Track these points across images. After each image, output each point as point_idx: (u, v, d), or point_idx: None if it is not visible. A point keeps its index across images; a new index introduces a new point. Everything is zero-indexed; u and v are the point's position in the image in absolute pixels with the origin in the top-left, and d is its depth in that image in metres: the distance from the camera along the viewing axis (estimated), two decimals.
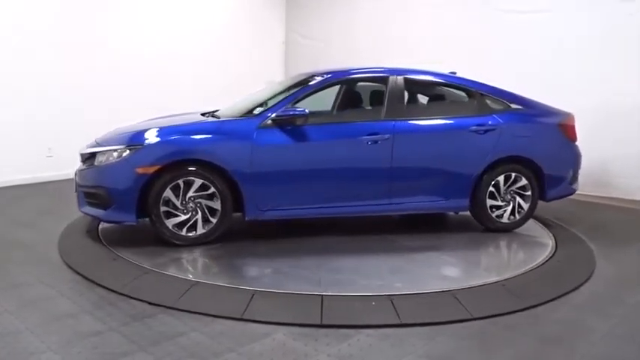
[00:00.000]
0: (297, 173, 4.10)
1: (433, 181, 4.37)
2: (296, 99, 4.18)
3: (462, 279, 3.60)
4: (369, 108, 4.79)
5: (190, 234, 3.97)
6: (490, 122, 4.45)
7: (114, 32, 7.13)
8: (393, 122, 4.25)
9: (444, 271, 3.71)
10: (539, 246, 4.33)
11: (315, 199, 4.18)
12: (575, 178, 4.85)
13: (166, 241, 3.94)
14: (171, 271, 3.47)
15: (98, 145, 4.12)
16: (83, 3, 6.76)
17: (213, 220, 3.98)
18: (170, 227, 3.92)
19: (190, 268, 3.67)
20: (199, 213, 3.96)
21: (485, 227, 4.60)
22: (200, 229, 3.97)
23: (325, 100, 5.03)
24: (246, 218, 4.05)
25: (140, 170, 3.79)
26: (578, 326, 2.94)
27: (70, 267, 3.58)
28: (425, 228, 4.82)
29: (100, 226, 4.43)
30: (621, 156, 5.99)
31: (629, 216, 5.65)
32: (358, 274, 3.58)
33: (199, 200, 3.95)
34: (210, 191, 3.93)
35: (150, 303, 3.03)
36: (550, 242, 4.44)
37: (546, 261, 3.94)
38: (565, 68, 6.40)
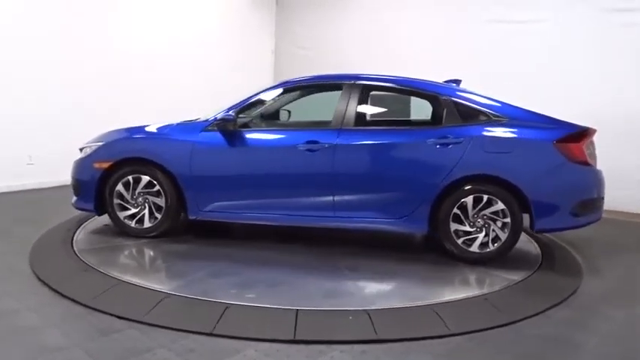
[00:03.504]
0: (233, 177, 4.22)
1: (382, 196, 4.01)
2: (242, 106, 4.30)
3: (442, 292, 3.49)
4: (321, 115, 4.66)
5: (138, 226, 4.35)
6: (453, 134, 3.93)
7: (99, 40, 7.04)
8: (338, 131, 4.08)
9: (424, 283, 3.60)
10: (524, 258, 4.24)
11: (254, 204, 4.19)
12: (583, 209, 3.89)
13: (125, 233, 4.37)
14: (143, 283, 3.35)
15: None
16: (68, 13, 6.66)
17: (158, 216, 4.30)
18: (122, 218, 4.35)
19: (163, 280, 3.55)
20: (147, 208, 4.32)
21: (451, 255, 4.00)
22: (146, 223, 4.33)
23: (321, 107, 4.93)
24: (189, 217, 4.30)
25: (97, 165, 4.31)
26: (560, 343, 2.84)
27: (39, 278, 3.45)
28: (405, 238, 4.72)
29: (75, 237, 4.33)
30: (615, 168, 5.90)
31: (620, 229, 5.59)
32: (336, 288, 3.48)
33: (147, 196, 4.31)
34: (156, 188, 4.26)
35: (118, 317, 2.91)
36: (536, 254, 4.36)
37: (531, 274, 3.85)
38: (558, 78, 6.46)
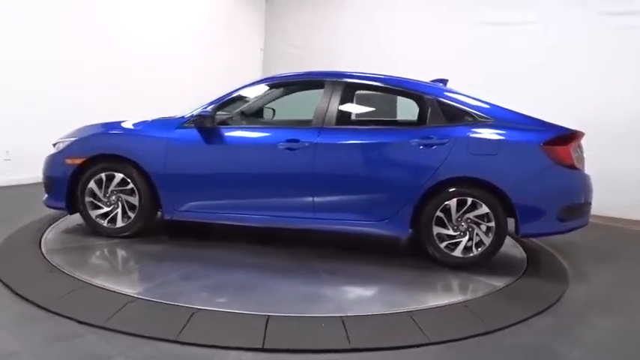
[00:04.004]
0: (210, 176, 4.07)
1: (364, 198, 3.87)
2: (220, 102, 4.15)
3: (423, 298, 3.36)
4: (302, 113, 4.54)
5: (110, 225, 4.17)
6: (437, 135, 3.80)
7: (83, 36, 6.86)
8: (319, 130, 3.94)
9: (404, 289, 3.47)
10: (509, 263, 4.12)
11: (232, 204, 4.04)
12: (570, 214, 3.77)
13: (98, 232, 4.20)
14: (110, 286, 3.19)
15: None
16: (51, 7, 6.49)
17: (132, 215, 4.12)
18: (94, 217, 4.17)
19: (131, 282, 3.40)
20: (119, 207, 4.14)
21: (434, 260, 3.87)
22: (119, 222, 4.15)
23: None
24: (165, 217, 4.13)
25: (69, 161, 4.12)
26: (543, 353, 2.72)
27: (0, 280, 3.29)
28: (387, 241, 4.60)
29: (45, 236, 4.16)
30: (606, 171, 5.81)
31: (608, 233, 5.50)
32: (312, 292, 3.34)
33: (120, 195, 4.13)
34: (129, 187, 4.09)
35: (79, 321, 2.76)
36: (521, 259, 4.25)
37: (515, 280, 3.73)
38: (550, 79, 6.46)
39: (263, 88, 4.51)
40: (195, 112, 4.09)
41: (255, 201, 4.04)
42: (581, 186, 3.84)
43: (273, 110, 5.17)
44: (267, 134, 4.12)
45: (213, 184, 4.08)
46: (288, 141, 3.93)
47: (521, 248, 4.54)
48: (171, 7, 8.05)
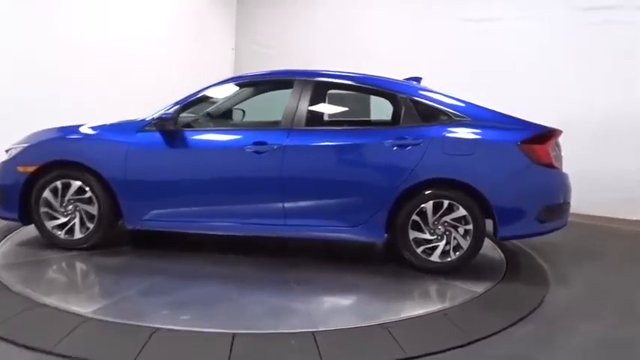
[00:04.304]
0: (174, 182, 3.84)
1: (336, 202, 3.69)
2: (184, 103, 3.93)
3: (400, 308, 3.20)
4: (275, 115, 4.29)
5: (68, 237, 3.90)
6: (411, 135, 3.65)
7: (48, 36, 6.50)
8: (288, 131, 3.76)
9: (380, 298, 3.30)
10: (488, 266, 3.99)
11: (198, 212, 3.83)
12: (549, 215, 3.64)
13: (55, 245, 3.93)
14: (62, 305, 2.93)
15: None
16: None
17: (91, 225, 3.86)
18: (50, 229, 3.89)
19: (86, 300, 3.13)
20: (77, 217, 3.88)
21: (411, 265, 3.71)
22: (77, 234, 3.89)
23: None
24: (128, 227, 3.90)
25: (21, 169, 3.85)
26: None
27: None
28: (362, 247, 4.43)
29: None
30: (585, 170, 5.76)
31: (588, 232, 5.43)
32: (281, 305, 3.14)
33: (77, 204, 3.87)
34: (87, 195, 3.84)
35: (25, 347, 2.51)
36: (500, 261, 4.13)
37: (495, 284, 3.60)
38: (528, 77, 6.38)
39: (230, 88, 4.29)
40: (156, 115, 3.86)
41: (222, 208, 3.83)
42: (560, 185, 3.73)
43: (243, 111, 4.96)
44: (233, 137, 3.91)
45: (177, 191, 3.86)
46: (255, 144, 3.73)
47: (499, 250, 4.42)
48: (137, 7, 7.74)
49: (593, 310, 3.34)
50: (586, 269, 4.23)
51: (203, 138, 3.91)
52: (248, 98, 4.61)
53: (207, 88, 4.08)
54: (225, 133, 4.00)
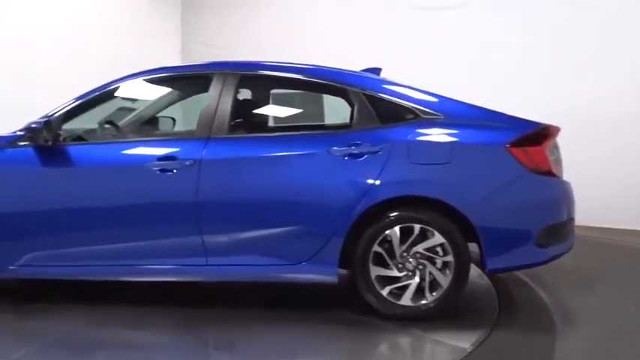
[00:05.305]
0: (54, 214, 2.93)
1: (271, 233, 2.82)
2: (66, 109, 3.01)
3: None
4: (181, 120, 3.65)
5: None
6: (367, 140, 2.79)
7: None
8: (204, 142, 2.87)
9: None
10: (474, 308, 3.08)
11: (89, 252, 2.92)
12: (552, 237, 2.81)
13: None
14: None
15: None
16: None
17: None
18: None
19: None
20: None
21: (375, 311, 2.79)
22: None
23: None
24: None
25: None
26: None
27: None
28: (310, 288, 3.50)
29: None
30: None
31: (592, 247, 4.60)
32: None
33: None
34: None
35: None
36: (489, 297, 3.26)
37: (488, 335, 2.66)
38: (494, 69, 5.89)
39: (136, 89, 3.34)
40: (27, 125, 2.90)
41: (120, 246, 2.88)
42: (562, 198, 2.88)
43: (173, 120, 4.01)
44: (132, 151, 2.96)
45: (59, 227, 2.92)
46: (162, 159, 2.81)
47: (488, 281, 3.53)
48: (69, 12, 6.87)
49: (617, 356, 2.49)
50: (596, 299, 3.38)
51: (92, 154, 2.97)
52: (170, 102, 3.68)
53: (94, 91, 3.12)
54: (122, 147, 3.05)
